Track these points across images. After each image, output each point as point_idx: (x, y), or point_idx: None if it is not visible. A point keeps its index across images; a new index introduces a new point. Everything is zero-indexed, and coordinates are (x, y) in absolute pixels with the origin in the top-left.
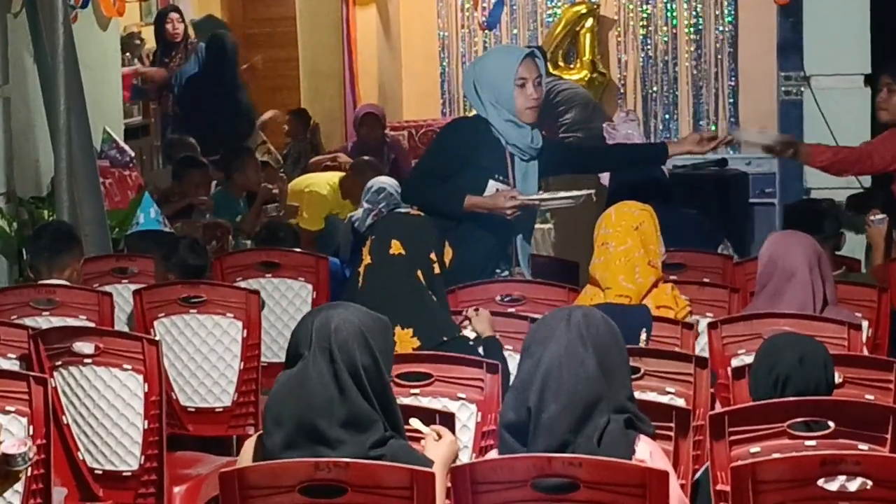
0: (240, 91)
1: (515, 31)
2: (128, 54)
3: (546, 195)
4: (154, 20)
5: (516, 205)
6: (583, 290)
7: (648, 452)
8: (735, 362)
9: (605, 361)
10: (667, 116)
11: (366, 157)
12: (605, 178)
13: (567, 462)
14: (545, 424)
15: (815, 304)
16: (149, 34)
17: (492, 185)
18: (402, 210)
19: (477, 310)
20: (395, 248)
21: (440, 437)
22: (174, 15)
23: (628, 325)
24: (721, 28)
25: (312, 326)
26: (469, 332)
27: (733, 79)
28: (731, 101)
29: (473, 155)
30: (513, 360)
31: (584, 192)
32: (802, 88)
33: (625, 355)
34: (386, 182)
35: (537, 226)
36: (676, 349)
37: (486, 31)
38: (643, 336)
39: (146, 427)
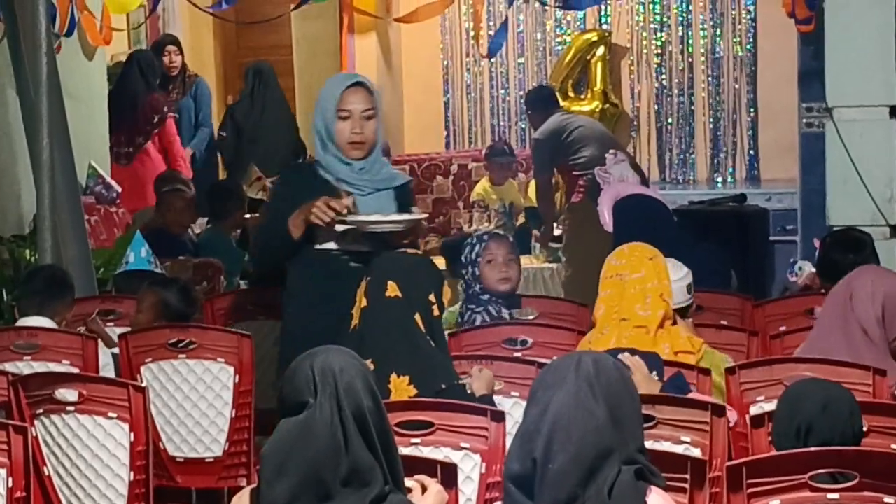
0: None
1: (522, 61)
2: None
3: (371, 218)
4: (151, 51)
5: (328, 209)
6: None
7: (661, 500)
8: (754, 410)
9: (615, 411)
10: (683, 150)
11: None
12: (607, 222)
13: None
14: (552, 477)
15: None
16: None
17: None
18: (400, 250)
19: (482, 369)
20: (392, 290)
21: (425, 488)
22: (172, 47)
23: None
24: (740, 56)
25: (314, 371)
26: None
27: (753, 110)
28: (751, 133)
29: (303, 200)
30: (519, 408)
31: (416, 216)
32: (824, 120)
33: (637, 404)
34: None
35: (546, 265)
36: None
37: (491, 60)
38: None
39: (132, 479)
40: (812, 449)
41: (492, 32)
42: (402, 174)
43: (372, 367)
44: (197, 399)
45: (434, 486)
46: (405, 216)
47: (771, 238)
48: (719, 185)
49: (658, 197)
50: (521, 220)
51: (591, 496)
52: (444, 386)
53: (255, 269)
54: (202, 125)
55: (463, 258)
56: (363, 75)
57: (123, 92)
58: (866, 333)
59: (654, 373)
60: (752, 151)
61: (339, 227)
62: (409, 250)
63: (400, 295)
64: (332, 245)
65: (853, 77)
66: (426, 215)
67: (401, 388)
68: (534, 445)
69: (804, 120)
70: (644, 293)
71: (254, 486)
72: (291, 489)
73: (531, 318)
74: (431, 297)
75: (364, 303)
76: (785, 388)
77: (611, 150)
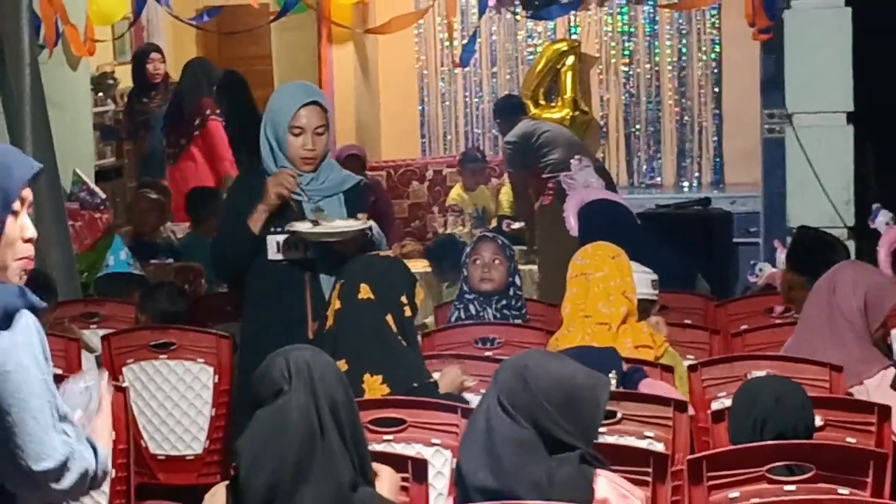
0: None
1: (495, 69)
2: (100, 94)
3: (317, 229)
4: (132, 59)
5: (285, 180)
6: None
7: (608, 483)
8: (715, 405)
9: (535, 423)
10: (650, 155)
11: None
12: (573, 226)
13: None
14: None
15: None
16: (122, 74)
17: (271, 240)
18: (372, 252)
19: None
20: (364, 292)
21: (376, 475)
22: (156, 55)
23: (596, 367)
24: (705, 64)
25: (288, 362)
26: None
27: (718, 117)
28: (716, 139)
29: (252, 206)
30: None
31: (358, 226)
32: (785, 126)
33: (564, 399)
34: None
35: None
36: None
37: (464, 69)
38: (612, 376)
39: (114, 476)
40: (769, 442)
41: (465, 42)
42: (353, 176)
43: (346, 366)
44: (178, 399)
45: (385, 470)
46: (346, 226)
47: (734, 240)
48: (685, 189)
49: (622, 201)
50: (493, 224)
51: (536, 483)
52: (415, 385)
53: (218, 277)
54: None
55: (462, 258)
56: (317, 89)
57: (179, 99)
58: (850, 324)
59: (614, 370)
60: (717, 157)
61: (287, 231)
62: (382, 253)
63: (372, 297)
64: (279, 256)
65: (812, 84)
66: (369, 224)
67: (374, 386)
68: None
69: (766, 126)
70: (607, 291)
71: (227, 482)
72: (269, 479)
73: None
74: (403, 299)
75: (338, 305)
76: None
77: (575, 157)
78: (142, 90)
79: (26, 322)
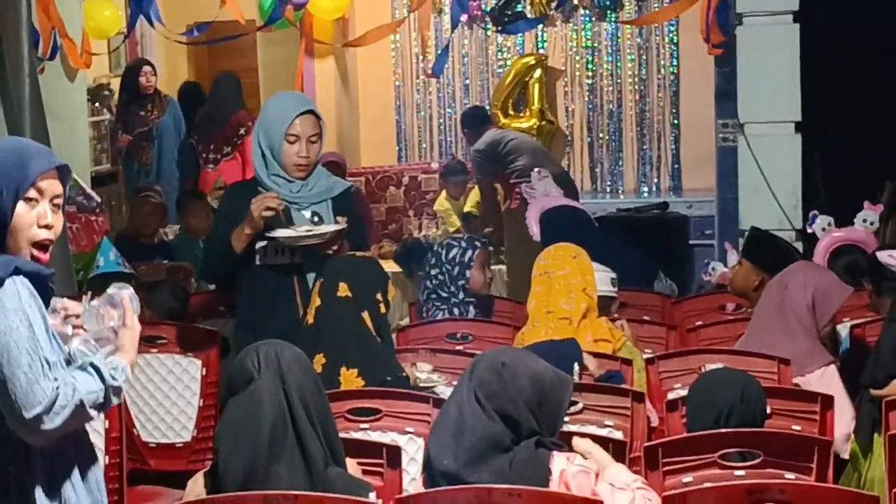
0: None
1: (468, 82)
2: (97, 104)
3: (291, 233)
4: (125, 72)
5: (268, 207)
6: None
7: (564, 459)
8: (671, 396)
9: (505, 415)
10: (612, 162)
11: None
12: (535, 233)
13: (507, 493)
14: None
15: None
16: (118, 85)
17: (259, 247)
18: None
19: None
20: (342, 290)
21: None
22: (148, 68)
23: (560, 359)
24: (663, 77)
25: (258, 354)
26: (417, 373)
27: (675, 126)
28: (674, 147)
29: (242, 215)
30: None
31: (332, 227)
32: (738, 135)
33: (536, 402)
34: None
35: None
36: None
37: (437, 80)
38: (576, 367)
39: (107, 462)
40: (721, 430)
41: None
42: (343, 182)
43: (324, 360)
44: (168, 389)
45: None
46: (322, 229)
47: (691, 242)
48: (645, 194)
49: (580, 207)
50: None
51: (498, 470)
52: (388, 378)
53: (204, 279)
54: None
55: (448, 256)
56: (310, 99)
57: (210, 110)
58: (799, 320)
59: (576, 361)
60: (675, 164)
61: (269, 237)
62: (358, 253)
63: (350, 294)
64: (267, 261)
65: (762, 96)
66: (343, 226)
67: (350, 379)
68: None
69: (720, 135)
70: (568, 288)
71: (206, 469)
72: (245, 460)
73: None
74: (378, 296)
75: (318, 302)
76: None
77: (535, 169)
78: (134, 101)
79: (14, 289)
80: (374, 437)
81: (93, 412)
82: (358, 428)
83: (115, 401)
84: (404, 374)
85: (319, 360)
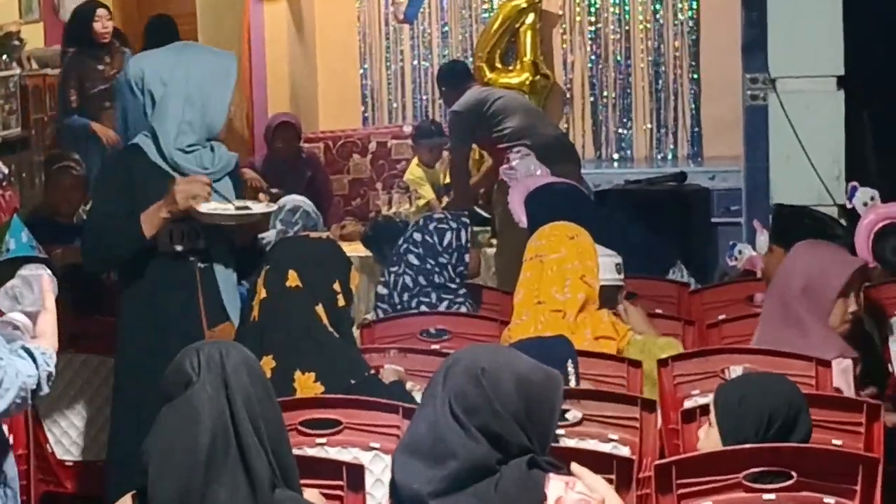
0: None
1: (447, 29)
2: (4, 57)
3: (221, 210)
4: (72, 17)
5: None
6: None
7: (563, 484)
8: (688, 404)
9: (488, 430)
10: (620, 125)
11: None
12: (521, 220)
13: None
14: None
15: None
16: (30, 33)
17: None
18: (302, 234)
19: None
20: (292, 279)
21: None
22: (103, 11)
23: (550, 360)
24: (681, 23)
25: (199, 354)
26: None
27: (696, 82)
28: (694, 107)
29: (135, 188)
30: None
31: (266, 207)
32: (768, 92)
33: (523, 412)
34: (301, 201)
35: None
36: (622, 390)
37: (410, 25)
38: (570, 369)
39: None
40: (745, 446)
41: None
42: (231, 154)
43: (273, 363)
44: (90, 397)
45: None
46: (257, 208)
47: (713, 220)
48: (659, 163)
49: (573, 183)
50: (444, 202)
51: (482, 496)
52: (353, 381)
53: (90, 268)
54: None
55: (443, 243)
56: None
57: None
58: (802, 309)
59: (570, 361)
60: (695, 127)
61: (203, 213)
62: (313, 234)
63: (301, 284)
64: (168, 248)
65: (797, 45)
66: (274, 207)
67: (307, 385)
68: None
69: (748, 92)
70: (563, 275)
71: (133, 491)
72: (179, 479)
73: None
74: (336, 286)
75: (263, 293)
76: (722, 380)
77: (515, 148)
78: (87, 52)
79: None
80: (333, 453)
81: (31, 399)
82: (313, 443)
83: (45, 388)
84: (372, 373)
85: (268, 363)
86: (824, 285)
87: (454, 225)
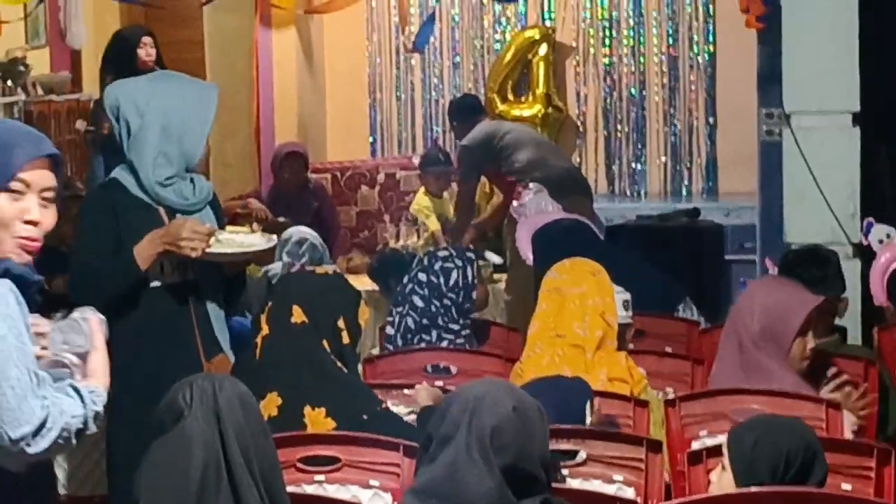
0: None
1: (458, 59)
2: (8, 83)
3: (221, 248)
4: (114, 41)
5: (202, 234)
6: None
7: None
8: (696, 445)
9: (513, 470)
10: (633, 159)
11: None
12: (528, 256)
13: None
14: None
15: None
16: (36, 59)
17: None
18: (308, 268)
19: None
20: (297, 315)
21: None
22: (149, 39)
23: (567, 401)
24: (697, 57)
25: (191, 387)
26: (403, 408)
27: (712, 116)
28: (709, 141)
29: (120, 223)
30: None
31: (267, 243)
32: (783, 127)
33: (543, 449)
34: (307, 233)
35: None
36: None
37: (421, 54)
38: (588, 411)
39: None
40: (753, 490)
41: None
42: (207, 182)
43: (278, 399)
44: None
45: None
46: (258, 244)
47: (727, 257)
48: (674, 198)
49: (580, 218)
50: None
51: None
52: (365, 417)
53: (79, 301)
54: None
55: (449, 283)
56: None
57: None
58: (761, 353)
59: (588, 402)
60: (710, 162)
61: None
62: (319, 269)
63: (306, 320)
64: (158, 281)
65: (812, 80)
66: (275, 241)
67: (317, 420)
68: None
69: (764, 127)
70: (584, 310)
71: None
72: None
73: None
74: (340, 323)
75: (266, 330)
76: (734, 422)
77: (528, 184)
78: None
79: (2, 292)
80: (332, 491)
81: (76, 439)
82: (312, 480)
83: (93, 428)
84: (383, 407)
85: (273, 400)
86: (784, 326)
87: (460, 263)
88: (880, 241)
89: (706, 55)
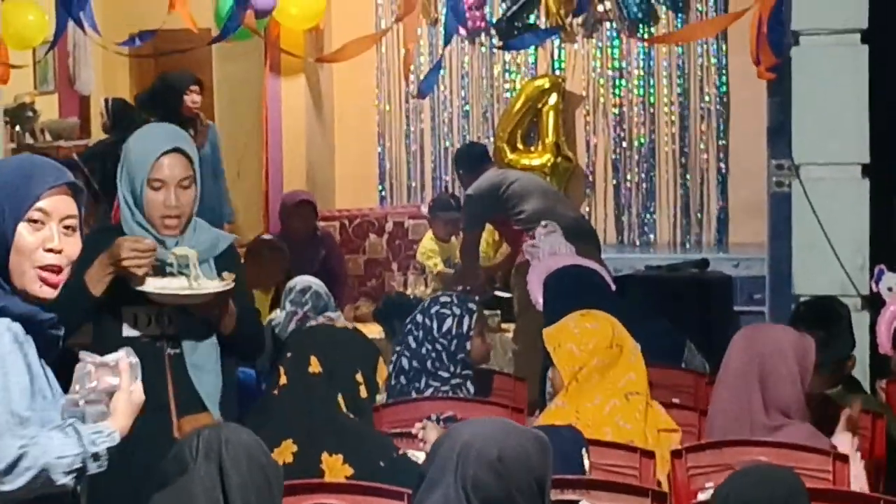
0: None
1: (467, 108)
2: (17, 128)
3: (168, 290)
4: (160, 87)
5: (142, 251)
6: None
7: None
8: (702, 496)
9: None
10: (643, 209)
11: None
12: (538, 300)
13: None
14: None
15: (744, 416)
16: (45, 104)
17: (126, 312)
18: (328, 321)
19: (424, 425)
20: (314, 365)
21: None
22: (196, 87)
23: (563, 448)
24: (708, 106)
25: (199, 439)
26: (417, 452)
27: (723, 167)
28: (721, 192)
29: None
30: None
31: (218, 286)
32: (792, 179)
33: (532, 495)
34: (312, 281)
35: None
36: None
37: (428, 103)
38: (585, 457)
39: None
40: None
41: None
42: (226, 235)
43: (294, 447)
44: None
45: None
46: (206, 287)
47: (736, 308)
48: (684, 248)
49: (594, 267)
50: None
51: None
52: (382, 464)
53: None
54: (218, 176)
55: (442, 329)
56: (182, 135)
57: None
58: (761, 398)
59: (583, 449)
60: (721, 212)
61: (137, 290)
62: (339, 322)
63: (321, 370)
64: (135, 332)
65: (822, 131)
66: (231, 285)
67: (335, 467)
68: None
69: (774, 178)
70: (639, 360)
71: None
72: None
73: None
74: (358, 377)
75: (283, 379)
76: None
77: (542, 222)
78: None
79: None
80: None
81: (64, 478)
82: None
83: (93, 468)
84: (400, 453)
85: (289, 447)
86: (782, 370)
87: (457, 311)
88: (889, 289)
89: (718, 105)
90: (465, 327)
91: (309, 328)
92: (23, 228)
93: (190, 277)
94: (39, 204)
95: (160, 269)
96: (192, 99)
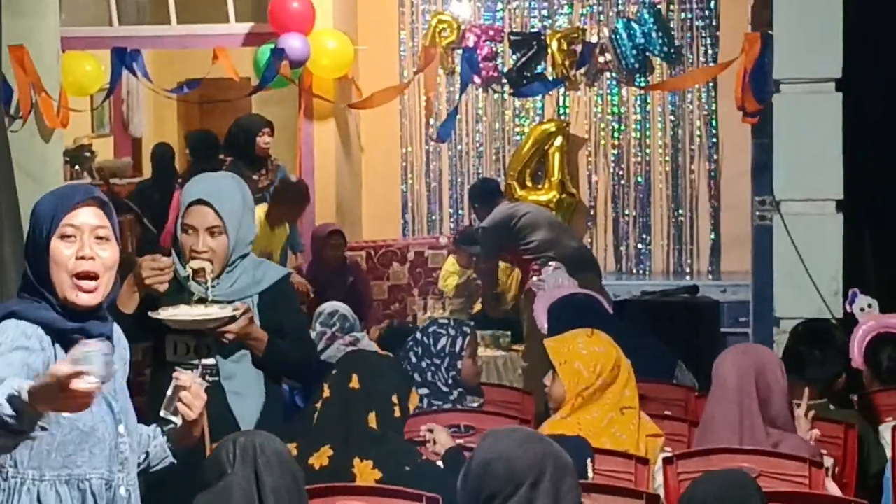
0: None
1: (481, 149)
2: (76, 167)
3: (175, 316)
4: (236, 129)
5: (161, 269)
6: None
7: None
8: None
9: None
10: (639, 240)
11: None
12: (543, 326)
13: None
14: None
15: (742, 427)
16: (100, 146)
17: (169, 340)
18: (354, 340)
19: (431, 429)
20: (354, 382)
21: None
22: (268, 129)
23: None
24: (699, 147)
25: (235, 445)
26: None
27: (715, 201)
28: (712, 224)
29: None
30: None
31: (229, 311)
32: (773, 213)
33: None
34: (338, 306)
35: (499, 353)
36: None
37: (446, 146)
38: (589, 466)
39: None
40: None
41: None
42: (278, 269)
43: (331, 452)
44: None
45: None
46: (217, 313)
47: (723, 330)
48: (678, 276)
49: (592, 294)
50: (478, 306)
51: None
52: (407, 468)
53: None
54: None
55: (437, 346)
56: (206, 189)
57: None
58: (755, 412)
59: (589, 459)
60: (713, 244)
61: (151, 317)
62: (382, 352)
63: (359, 387)
64: (175, 359)
65: (800, 170)
66: (238, 312)
67: (365, 472)
68: None
69: (757, 213)
70: (632, 378)
71: None
72: None
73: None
74: (394, 398)
75: (327, 393)
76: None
77: (549, 262)
78: (245, 163)
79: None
80: None
81: None
82: None
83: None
84: (424, 458)
85: (326, 452)
86: (774, 386)
87: (452, 332)
88: (862, 310)
89: (708, 147)
90: (457, 347)
91: (356, 351)
92: (58, 243)
93: (205, 304)
94: (69, 219)
95: (183, 297)
96: (265, 140)
